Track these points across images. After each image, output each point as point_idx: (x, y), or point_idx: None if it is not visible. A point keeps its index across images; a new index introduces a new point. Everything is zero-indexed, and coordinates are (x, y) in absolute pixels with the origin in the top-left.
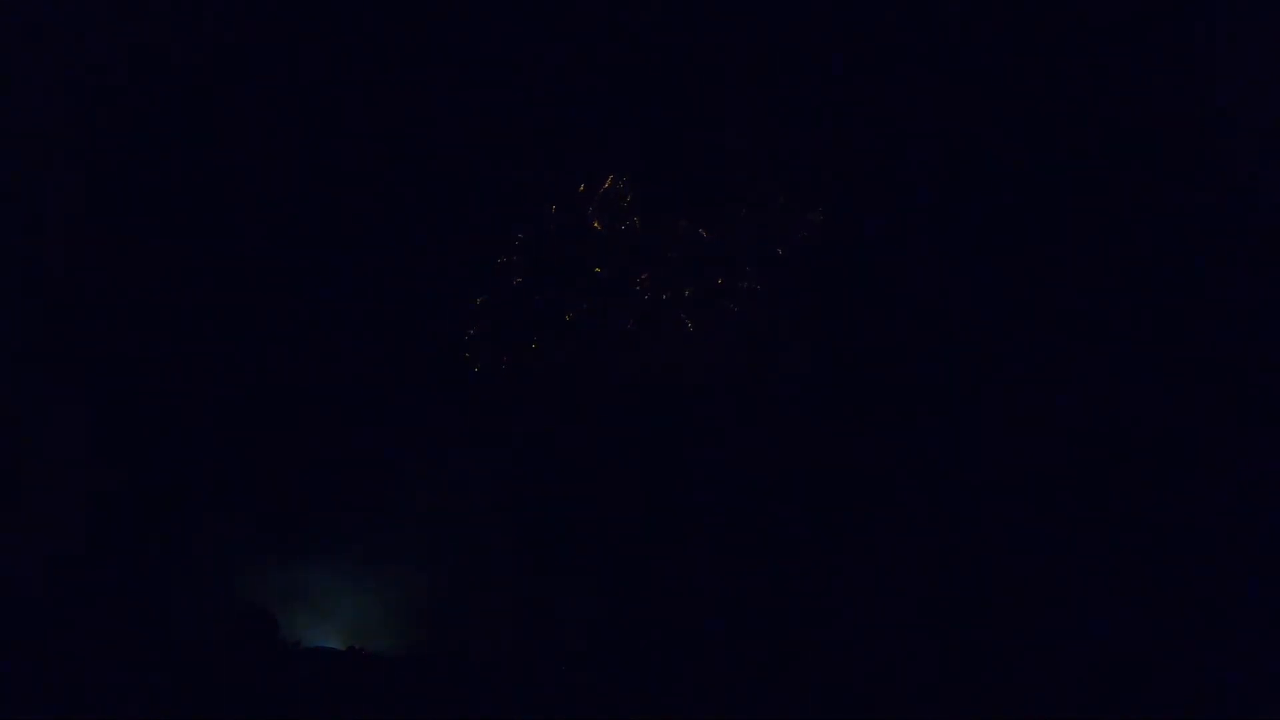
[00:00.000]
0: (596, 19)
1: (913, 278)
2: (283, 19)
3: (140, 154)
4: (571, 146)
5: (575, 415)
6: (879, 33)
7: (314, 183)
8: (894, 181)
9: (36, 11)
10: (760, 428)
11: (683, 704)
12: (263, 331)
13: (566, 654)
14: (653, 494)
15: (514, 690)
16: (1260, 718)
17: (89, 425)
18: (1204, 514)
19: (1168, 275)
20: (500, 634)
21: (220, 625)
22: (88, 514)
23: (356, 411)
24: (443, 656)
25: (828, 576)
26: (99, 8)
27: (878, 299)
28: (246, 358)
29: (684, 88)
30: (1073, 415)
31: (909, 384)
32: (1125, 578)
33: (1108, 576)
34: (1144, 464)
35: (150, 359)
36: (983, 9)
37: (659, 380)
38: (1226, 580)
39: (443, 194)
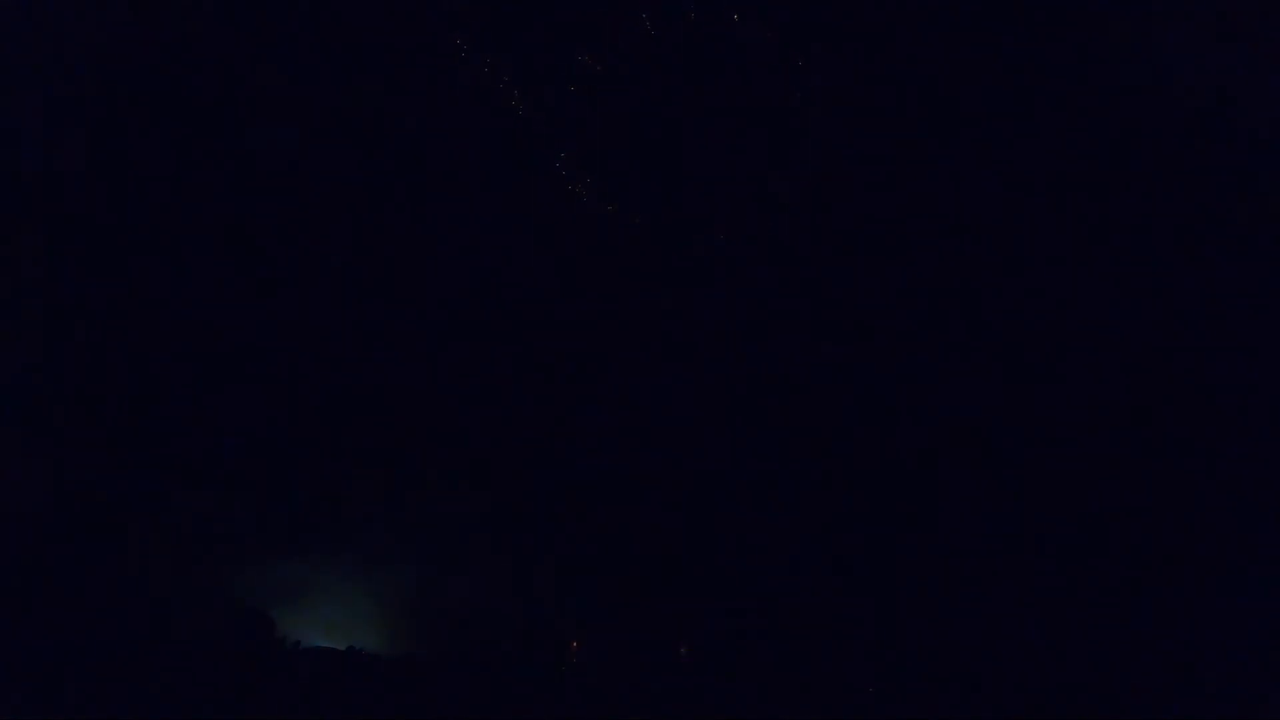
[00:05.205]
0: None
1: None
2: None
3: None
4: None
5: (576, 415)
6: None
7: (313, 182)
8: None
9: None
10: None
11: (681, 704)
12: (263, 330)
13: (566, 654)
14: (653, 495)
15: (514, 690)
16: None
17: (87, 423)
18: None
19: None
20: (500, 634)
21: (219, 625)
22: (86, 514)
23: (356, 411)
24: (442, 657)
25: (825, 579)
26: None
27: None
28: (247, 356)
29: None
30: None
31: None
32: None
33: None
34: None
35: (149, 357)
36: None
37: (661, 384)
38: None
39: (448, 195)
